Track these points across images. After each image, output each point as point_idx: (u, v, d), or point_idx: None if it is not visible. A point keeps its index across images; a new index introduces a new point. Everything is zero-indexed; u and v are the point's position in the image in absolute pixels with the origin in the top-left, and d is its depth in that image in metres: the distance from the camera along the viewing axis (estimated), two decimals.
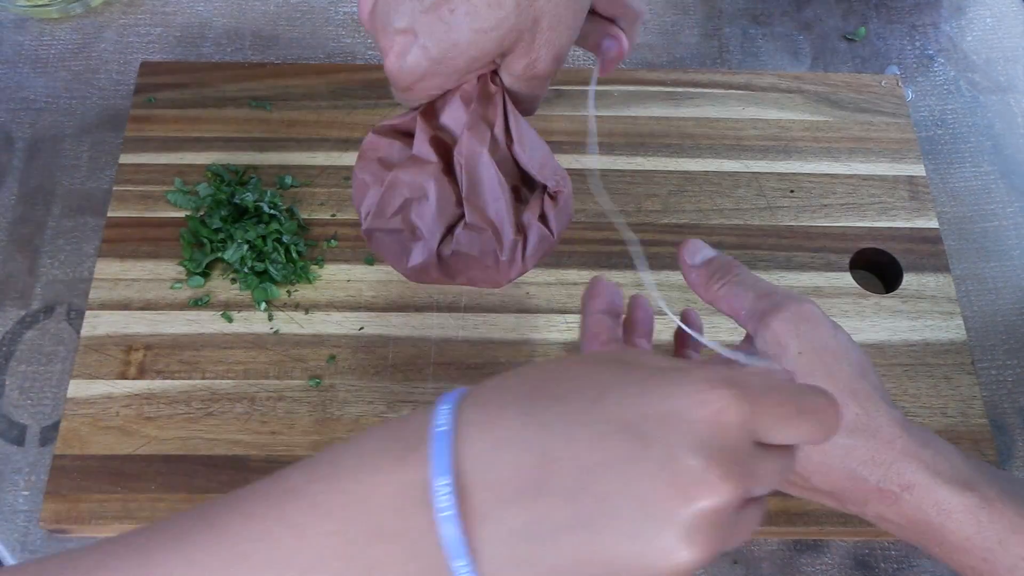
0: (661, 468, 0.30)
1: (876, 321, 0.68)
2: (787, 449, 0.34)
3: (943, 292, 0.69)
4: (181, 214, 0.70)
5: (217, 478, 0.60)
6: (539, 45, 0.45)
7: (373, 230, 0.46)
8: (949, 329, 0.68)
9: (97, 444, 0.61)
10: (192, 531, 0.33)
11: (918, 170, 0.75)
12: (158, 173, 0.72)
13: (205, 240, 0.68)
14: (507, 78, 0.47)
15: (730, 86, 0.78)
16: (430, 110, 0.47)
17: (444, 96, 0.47)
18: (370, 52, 0.81)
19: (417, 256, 0.46)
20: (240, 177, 0.71)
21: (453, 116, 0.47)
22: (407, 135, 0.48)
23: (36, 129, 0.76)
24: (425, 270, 0.47)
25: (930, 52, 0.84)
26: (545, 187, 0.47)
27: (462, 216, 0.46)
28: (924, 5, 0.87)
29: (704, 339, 0.44)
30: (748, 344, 0.46)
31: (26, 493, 0.61)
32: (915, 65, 0.84)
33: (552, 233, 0.47)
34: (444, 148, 0.47)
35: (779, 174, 0.74)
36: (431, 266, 0.46)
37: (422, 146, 0.47)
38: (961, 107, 0.81)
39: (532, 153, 0.47)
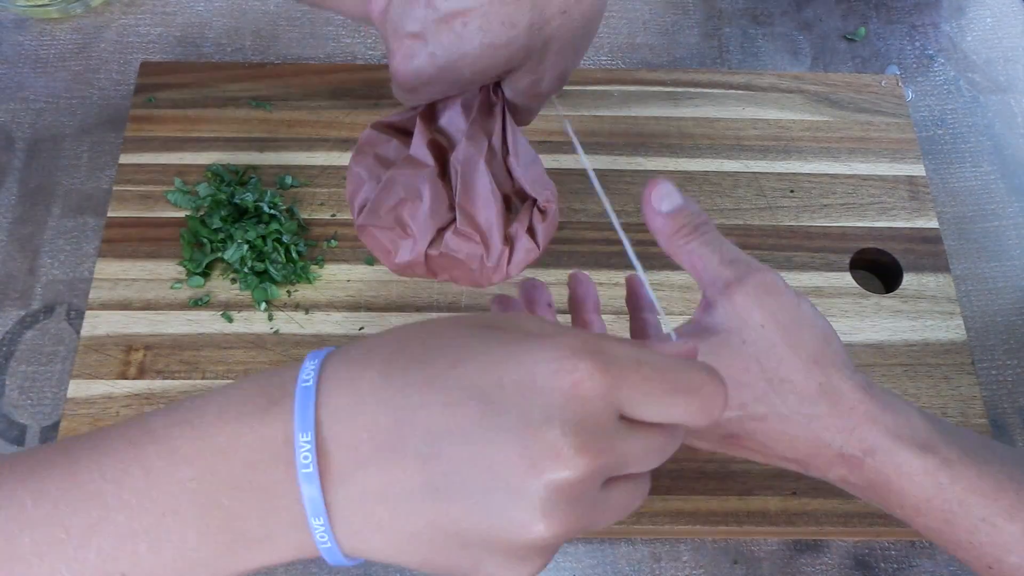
0: (513, 437, 0.29)
1: (876, 321, 0.68)
2: (660, 427, 0.33)
3: (943, 292, 0.69)
4: (181, 214, 0.70)
5: None
6: (546, 66, 0.45)
7: (366, 225, 0.47)
8: (949, 329, 0.68)
9: None
10: (47, 463, 0.33)
11: (918, 170, 0.75)
12: (158, 173, 0.72)
13: (205, 240, 0.68)
14: (509, 92, 0.47)
15: (730, 86, 0.78)
16: (430, 113, 0.48)
17: (445, 101, 0.48)
18: (370, 52, 0.81)
19: (405, 254, 0.47)
20: (240, 177, 0.71)
21: (452, 121, 0.47)
22: (404, 133, 0.49)
23: (36, 129, 0.76)
24: (410, 267, 0.47)
25: (930, 52, 0.84)
26: (535, 200, 0.48)
27: (453, 220, 0.47)
28: (924, 5, 0.87)
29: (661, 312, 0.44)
30: (704, 312, 0.45)
31: None
32: (915, 65, 0.84)
33: (538, 245, 0.48)
34: (440, 151, 0.48)
35: (779, 174, 0.74)
36: (417, 264, 0.47)
37: (420, 148, 0.47)
38: (961, 107, 0.81)
39: (526, 167, 0.48)
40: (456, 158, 0.46)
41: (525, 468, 0.29)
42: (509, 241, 0.47)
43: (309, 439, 0.30)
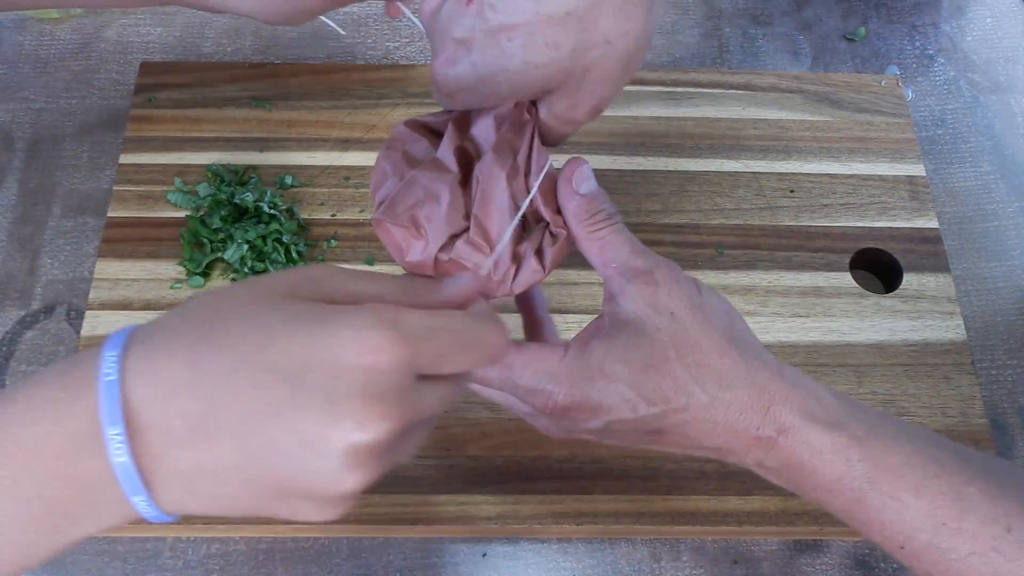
0: (323, 413, 0.32)
1: (876, 321, 0.68)
2: (453, 377, 0.37)
3: (943, 292, 0.69)
4: (181, 214, 0.70)
5: None
6: (583, 92, 0.46)
7: (383, 220, 0.47)
8: (949, 329, 0.68)
9: None
10: None
11: (918, 170, 0.75)
12: (158, 173, 0.72)
13: (205, 240, 0.68)
14: (544, 113, 0.48)
15: (730, 86, 0.78)
16: (463, 120, 0.49)
17: (479, 111, 0.48)
18: (370, 52, 0.81)
19: (416, 254, 0.47)
20: (240, 177, 0.71)
21: (483, 132, 0.48)
22: (435, 134, 0.49)
23: (36, 129, 0.76)
24: (419, 267, 0.48)
25: (930, 52, 0.84)
26: (547, 224, 0.49)
27: (467, 228, 0.47)
28: (924, 5, 0.87)
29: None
30: (612, 304, 0.46)
31: None
32: (915, 65, 0.84)
33: (544, 268, 0.48)
34: (466, 159, 0.48)
35: (779, 174, 0.74)
36: (426, 265, 0.48)
37: (446, 153, 0.48)
38: (961, 107, 0.81)
39: (546, 191, 0.49)
40: (479, 169, 0.47)
41: (336, 438, 0.33)
42: (517, 259, 0.47)
43: (119, 431, 0.32)
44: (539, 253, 0.48)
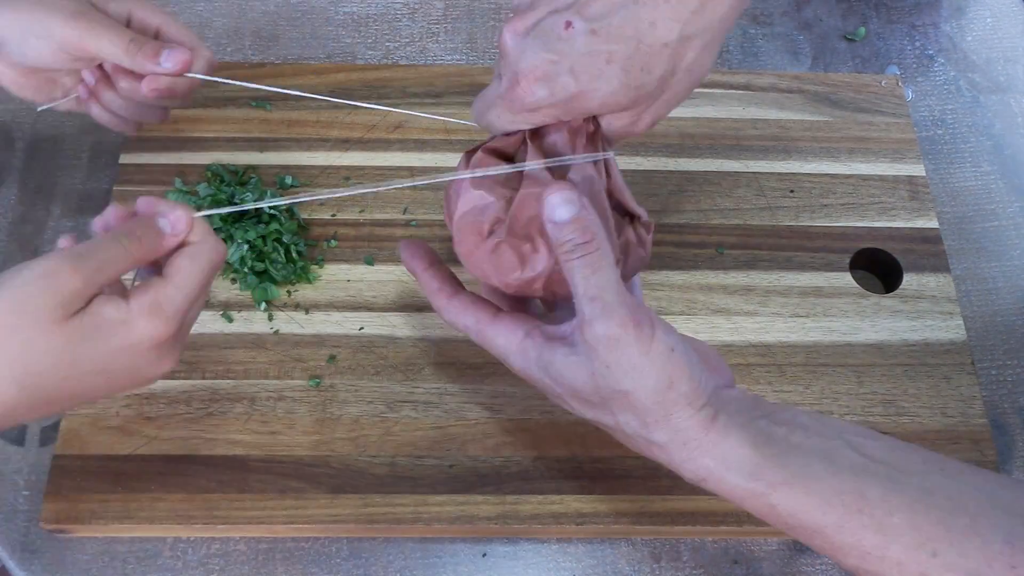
0: (136, 381, 0.47)
1: (876, 321, 0.68)
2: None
3: (943, 292, 0.69)
4: None
5: (217, 478, 0.60)
6: (650, 111, 0.50)
7: (503, 243, 0.49)
8: (949, 329, 0.68)
9: (97, 444, 0.61)
10: None
11: (918, 170, 0.75)
12: (158, 173, 0.72)
13: None
14: (604, 124, 0.50)
15: (730, 86, 0.78)
16: (536, 135, 0.51)
17: (551, 125, 0.50)
18: (370, 52, 0.81)
19: (537, 265, 0.49)
20: (240, 177, 0.71)
21: (556, 144, 0.50)
22: (504, 157, 0.51)
23: (36, 129, 0.76)
24: (532, 281, 0.50)
25: (930, 52, 0.84)
26: (632, 217, 0.52)
27: None
28: (924, 5, 0.87)
29: None
30: (574, 325, 0.48)
31: (26, 493, 0.61)
32: (915, 65, 0.84)
33: (647, 253, 0.52)
34: (555, 173, 0.50)
35: (779, 174, 0.74)
36: (539, 278, 0.49)
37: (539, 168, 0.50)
38: (961, 107, 0.81)
39: (622, 188, 0.51)
40: (574, 178, 0.49)
41: (142, 381, 0.48)
42: (624, 253, 0.50)
43: None
44: (641, 242, 0.51)
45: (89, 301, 0.45)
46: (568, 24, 0.46)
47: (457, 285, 0.53)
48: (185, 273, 0.47)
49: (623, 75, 0.47)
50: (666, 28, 0.46)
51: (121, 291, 0.46)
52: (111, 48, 0.55)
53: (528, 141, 0.50)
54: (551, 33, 0.47)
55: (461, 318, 0.52)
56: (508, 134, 0.51)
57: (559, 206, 0.46)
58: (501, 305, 0.52)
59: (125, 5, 0.56)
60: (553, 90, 0.47)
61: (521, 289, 0.50)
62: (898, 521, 0.45)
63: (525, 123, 0.50)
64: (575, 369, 0.47)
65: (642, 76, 0.47)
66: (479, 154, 0.51)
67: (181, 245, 0.48)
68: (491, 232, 0.49)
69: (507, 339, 0.50)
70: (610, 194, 0.51)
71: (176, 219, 0.47)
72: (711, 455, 0.46)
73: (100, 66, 0.59)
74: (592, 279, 0.46)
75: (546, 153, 0.50)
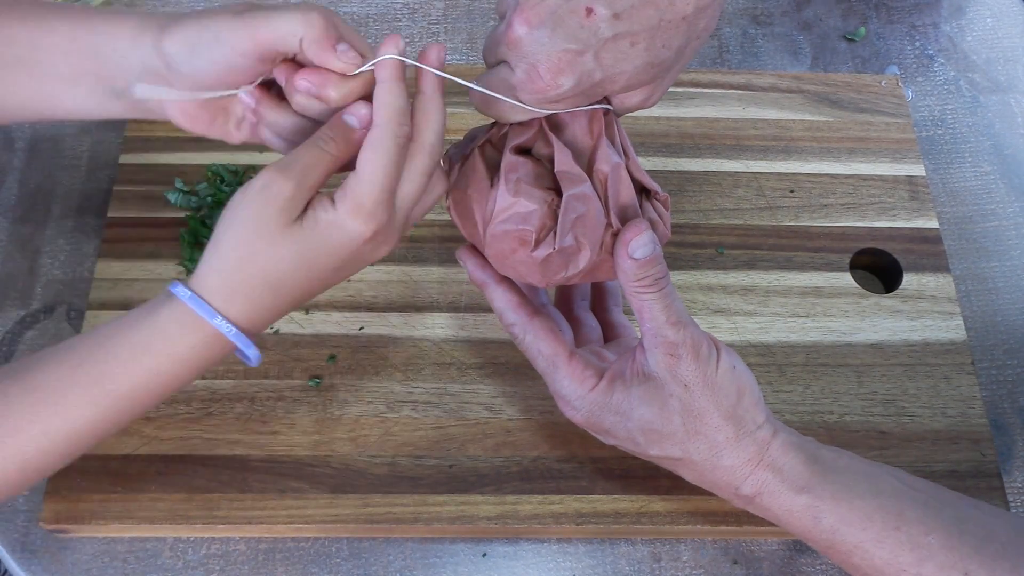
0: (357, 265, 0.50)
1: (876, 321, 0.68)
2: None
3: (943, 292, 0.69)
4: (181, 214, 0.70)
5: (217, 478, 0.60)
6: (664, 83, 0.51)
7: (553, 253, 0.49)
8: (949, 329, 0.68)
9: (97, 444, 0.60)
10: (35, 361, 0.47)
11: (918, 170, 0.75)
12: (158, 173, 0.72)
13: (205, 240, 0.67)
14: (617, 103, 0.51)
15: (730, 86, 0.78)
16: (553, 126, 0.50)
17: (565, 119, 0.50)
18: None
19: (581, 262, 0.50)
20: (240, 177, 0.71)
21: (578, 132, 0.51)
22: (525, 153, 0.51)
23: (36, 129, 0.76)
24: (572, 278, 0.51)
25: (930, 52, 0.84)
26: (648, 193, 0.53)
27: (608, 223, 0.50)
28: (924, 5, 0.87)
29: None
30: (643, 354, 0.52)
31: (26, 493, 0.61)
32: (915, 65, 0.84)
33: (668, 230, 0.53)
34: (578, 161, 0.50)
35: (779, 174, 0.74)
36: (581, 274, 0.51)
37: (569, 163, 0.50)
38: (961, 107, 0.81)
39: (638, 165, 0.52)
40: (601, 168, 0.50)
41: (366, 264, 0.50)
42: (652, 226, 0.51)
43: (232, 328, 0.48)
44: (661, 218, 0.53)
45: (306, 208, 0.47)
46: (590, 11, 0.45)
47: (531, 303, 0.55)
48: (370, 165, 0.46)
49: (647, 55, 0.47)
50: (684, 2, 0.46)
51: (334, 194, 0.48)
52: (288, 27, 0.47)
53: (553, 137, 0.50)
54: (570, 21, 0.46)
55: (539, 344, 0.54)
56: (521, 124, 0.50)
57: (641, 246, 0.49)
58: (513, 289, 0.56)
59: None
60: (580, 80, 0.47)
61: (558, 282, 0.51)
62: (933, 541, 0.48)
63: (543, 113, 0.49)
64: (651, 397, 0.51)
65: (663, 52, 0.47)
66: (508, 156, 0.50)
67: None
68: (539, 241, 0.49)
69: (579, 383, 0.53)
70: (629, 172, 0.51)
71: (360, 114, 0.48)
72: (771, 468, 0.50)
73: (261, 85, 0.51)
74: (671, 308, 0.50)
75: (567, 145, 0.50)
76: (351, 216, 0.47)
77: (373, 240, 0.48)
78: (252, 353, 0.49)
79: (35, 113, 0.54)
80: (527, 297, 0.55)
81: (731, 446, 0.51)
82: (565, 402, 0.54)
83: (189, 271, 0.67)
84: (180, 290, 0.47)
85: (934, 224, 0.72)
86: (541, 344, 0.54)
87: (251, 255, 0.47)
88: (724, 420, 0.50)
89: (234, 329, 0.48)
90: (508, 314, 0.55)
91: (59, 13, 0.51)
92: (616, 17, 0.45)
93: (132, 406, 0.48)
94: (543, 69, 0.47)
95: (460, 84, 0.49)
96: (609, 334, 0.60)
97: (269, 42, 0.47)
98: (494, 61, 0.49)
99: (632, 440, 0.53)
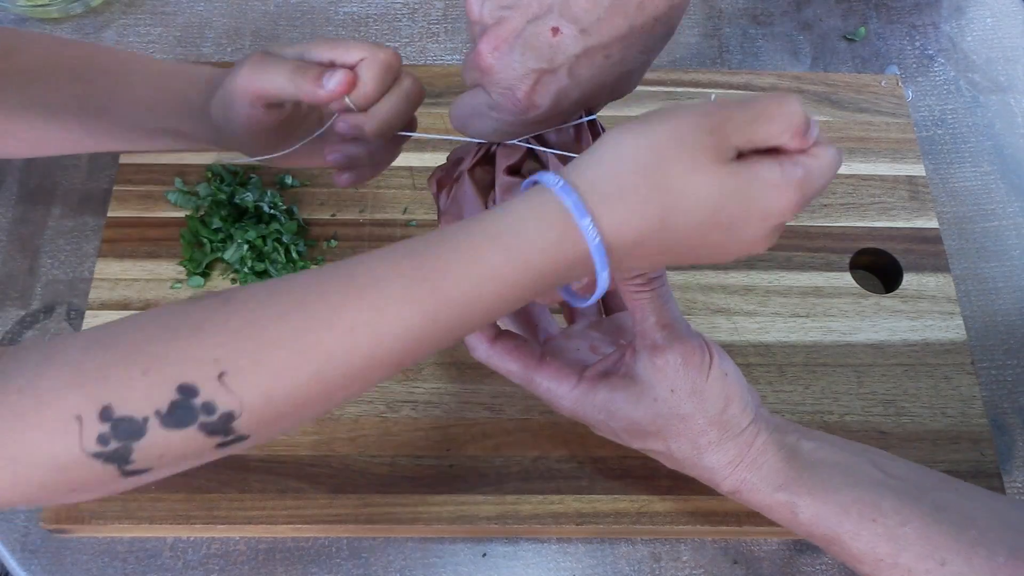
0: (745, 248, 0.43)
1: (876, 321, 0.68)
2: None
3: (943, 292, 0.69)
4: (181, 214, 0.70)
5: (217, 478, 0.60)
6: (633, 84, 0.51)
7: None
8: (949, 329, 0.68)
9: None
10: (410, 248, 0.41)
11: (918, 170, 0.75)
12: (158, 173, 0.72)
13: (205, 240, 0.68)
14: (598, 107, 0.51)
15: (730, 86, 0.78)
16: (539, 139, 0.51)
17: (550, 130, 0.51)
18: None
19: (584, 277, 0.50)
20: (240, 177, 0.71)
21: (564, 141, 0.51)
22: (516, 173, 0.51)
23: None
24: (578, 289, 0.51)
25: (930, 52, 0.84)
26: None
27: None
28: (924, 5, 0.87)
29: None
30: (632, 356, 0.52)
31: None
32: (915, 65, 0.84)
33: None
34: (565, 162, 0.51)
35: None
36: (587, 285, 0.51)
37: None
38: (961, 107, 0.81)
39: None
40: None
41: (743, 254, 0.44)
42: None
43: (596, 237, 0.40)
44: None
45: (741, 157, 0.41)
46: (556, 30, 0.45)
47: (494, 327, 0.55)
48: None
49: (621, 66, 0.47)
50: (654, 4, 0.45)
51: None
52: (278, 80, 0.51)
53: (539, 150, 0.50)
54: (537, 42, 0.45)
55: (506, 364, 0.54)
56: (509, 144, 0.50)
57: None
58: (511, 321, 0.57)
59: (298, 48, 0.54)
60: (558, 98, 0.47)
61: (559, 297, 0.50)
62: (910, 531, 0.49)
63: (534, 130, 0.49)
64: (635, 399, 0.51)
65: (642, 56, 0.47)
66: (501, 176, 0.50)
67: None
68: None
69: (557, 383, 0.53)
70: None
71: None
72: (751, 469, 0.51)
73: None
74: (663, 310, 0.50)
75: (558, 159, 0.50)
76: (795, 188, 0.41)
77: (780, 227, 0.43)
78: (603, 279, 0.41)
79: (106, 149, 0.60)
80: (489, 326, 0.55)
81: (713, 448, 0.52)
82: (549, 398, 0.54)
83: (189, 271, 0.67)
84: (549, 177, 0.40)
85: (934, 224, 0.72)
86: (508, 364, 0.54)
87: (658, 162, 0.40)
88: (709, 425, 0.51)
89: (598, 239, 0.40)
90: (473, 346, 0.54)
91: (138, 67, 0.59)
92: (584, 32, 0.44)
93: (454, 316, 0.40)
94: (520, 93, 0.46)
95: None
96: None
97: (266, 89, 0.51)
98: (471, 84, 0.49)
99: (615, 435, 0.54)
